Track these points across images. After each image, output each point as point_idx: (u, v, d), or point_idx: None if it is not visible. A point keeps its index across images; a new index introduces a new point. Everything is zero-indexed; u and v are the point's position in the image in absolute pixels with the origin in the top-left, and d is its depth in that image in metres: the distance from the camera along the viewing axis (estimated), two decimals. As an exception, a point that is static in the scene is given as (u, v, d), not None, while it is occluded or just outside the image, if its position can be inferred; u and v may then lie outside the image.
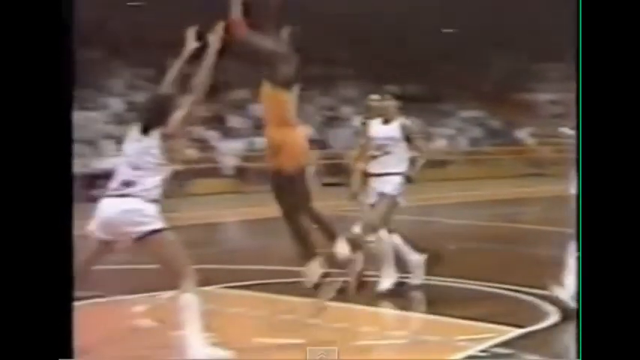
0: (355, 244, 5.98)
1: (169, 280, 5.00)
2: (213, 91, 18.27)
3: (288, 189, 5.59)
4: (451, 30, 28.41)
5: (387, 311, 6.44)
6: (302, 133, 5.65)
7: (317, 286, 5.71)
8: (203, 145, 20.51)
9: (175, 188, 19.16)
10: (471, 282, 7.29)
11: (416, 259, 7.25)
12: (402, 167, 7.01)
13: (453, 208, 16.93)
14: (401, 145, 7.05)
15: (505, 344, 5.21)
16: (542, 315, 6.03)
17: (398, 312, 6.42)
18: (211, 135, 21.46)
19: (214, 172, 20.41)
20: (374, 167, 7.06)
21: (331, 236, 5.83)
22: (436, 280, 7.32)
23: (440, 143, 27.17)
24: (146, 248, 4.88)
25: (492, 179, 22.69)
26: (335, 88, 26.69)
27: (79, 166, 13.22)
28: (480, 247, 10.59)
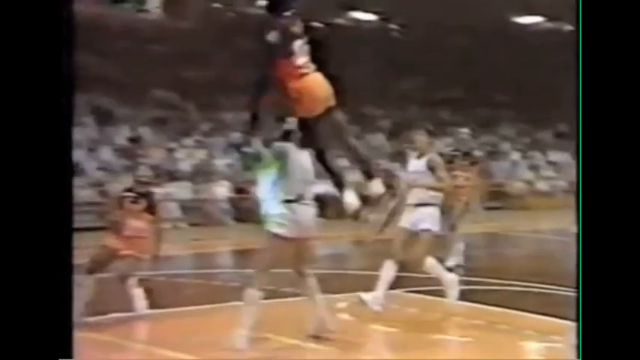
0: (388, 185, 5.28)
1: (296, 271, 5.22)
2: (396, 130, 18.21)
3: (314, 133, 5.02)
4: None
5: (522, 314, 6.13)
6: (318, 78, 4.98)
7: (356, 214, 5.17)
8: (388, 174, 20.67)
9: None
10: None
11: (450, 278, 6.28)
12: (432, 199, 6.17)
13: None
14: (428, 179, 6.14)
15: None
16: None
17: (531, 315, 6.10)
18: (394, 166, 21.58)
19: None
20: (409, 199, 6.23)
21: (366, 171, 5.13)
22: (566, 291, 6.95)
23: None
24: (304, 246, 5.14)
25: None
26: (496, 127, 26.14)
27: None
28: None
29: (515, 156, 24.34)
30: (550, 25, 27.65)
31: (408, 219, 6.12)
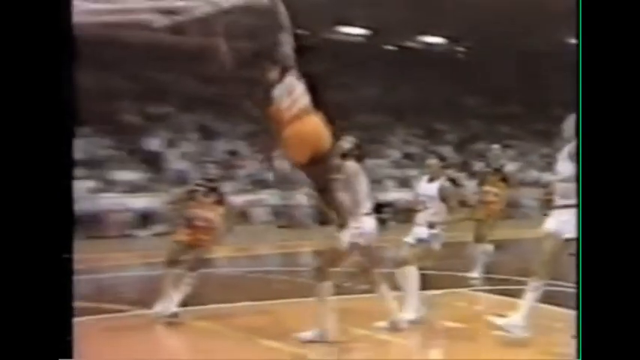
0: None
1: (363, 278, 5.26)
2: (462, 143, 17.90)
3: (308, 176, 4.67)
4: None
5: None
6: (309, 123, 4.44)
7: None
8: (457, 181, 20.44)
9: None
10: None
11: (415, 304, 5.63)
12: (437, 222, 5.73)
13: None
14: (437, 203, 5.76)
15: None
16: None
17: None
18: (461, 176, 21.29)
19: (462, 204, 20.16)
20: (416, 218, 5.87)
21: (341, 223, 4.84)
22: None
23: None
24: (368, 251, 5.17)
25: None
26: (553, 140, 25.40)
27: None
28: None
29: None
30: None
31: (412, 234, 5.85)
